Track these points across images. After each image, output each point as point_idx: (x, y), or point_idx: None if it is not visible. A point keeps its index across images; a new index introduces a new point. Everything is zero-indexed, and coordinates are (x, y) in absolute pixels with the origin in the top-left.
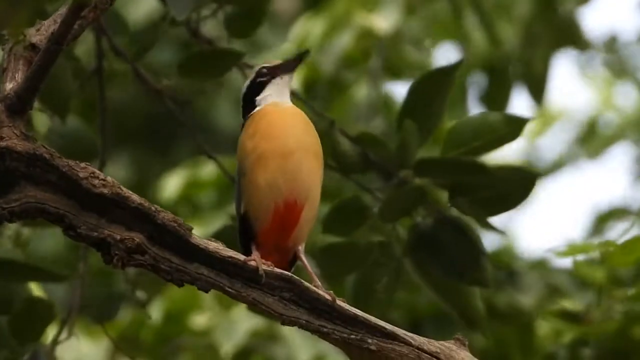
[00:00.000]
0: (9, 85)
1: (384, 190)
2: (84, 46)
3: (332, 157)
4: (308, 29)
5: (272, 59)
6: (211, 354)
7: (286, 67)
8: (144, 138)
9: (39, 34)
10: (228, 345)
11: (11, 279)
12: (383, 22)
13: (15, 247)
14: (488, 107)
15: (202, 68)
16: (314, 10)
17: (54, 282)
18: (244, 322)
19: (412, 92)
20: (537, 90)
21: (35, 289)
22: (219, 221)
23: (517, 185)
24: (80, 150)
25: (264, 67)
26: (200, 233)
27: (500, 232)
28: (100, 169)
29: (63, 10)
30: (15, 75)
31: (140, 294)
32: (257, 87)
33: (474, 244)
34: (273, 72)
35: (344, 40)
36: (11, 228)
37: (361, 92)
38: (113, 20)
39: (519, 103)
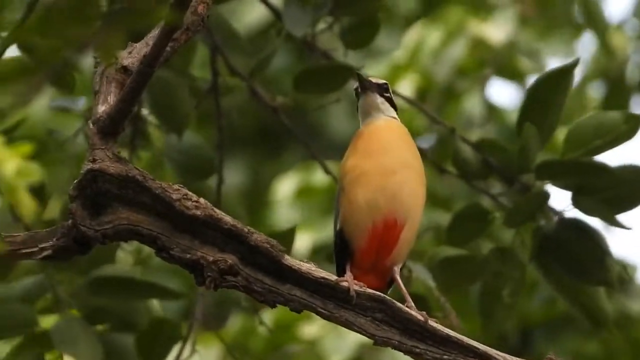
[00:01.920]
0: (101, 108)
1: (506, 196)
2: (200, 64)
3: (453, 164)
4: (422, 36)
5: (384, 66)
6: None
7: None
8: (258, 142)
9: (131, 56)
10: (337, 355)
11: (130, 297)
12: (496, 32)
13: (135, 264)
14: None
15: (317, 83)
16: (428, 17)
17: (171, 299)
18: (352, 332)
19: (530, 95)
20: None
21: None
22: (329, 227)
23: (638, 185)
24: (198, 166)
25: (356, 88)
26: (311, 239)
27: (627, 228)
28: (219, 186)
29: (155, 32)
30: (107, 98)
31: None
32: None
33: (598, 245)
34: (362, 89)
35: (458, 50)
36: (132, 245)
37: (473, 100)
38: (228, 37)
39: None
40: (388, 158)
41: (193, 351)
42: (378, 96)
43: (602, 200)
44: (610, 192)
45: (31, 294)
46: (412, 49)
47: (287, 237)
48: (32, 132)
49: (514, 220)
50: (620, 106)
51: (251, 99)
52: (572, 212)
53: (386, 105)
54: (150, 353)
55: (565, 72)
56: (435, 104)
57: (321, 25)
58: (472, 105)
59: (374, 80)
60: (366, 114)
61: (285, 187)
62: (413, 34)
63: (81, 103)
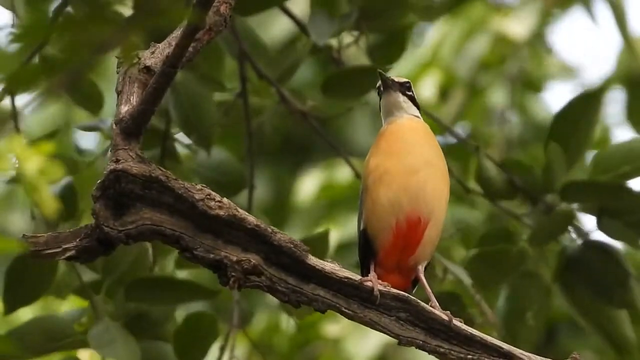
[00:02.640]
0: (124, 108)
1: (530, 216)
2: (227, 71)
3: (478, 183)
4: (445, 32)
5: (408, 62)
6: None
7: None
8: (281, 152)
9: (154, 56)
10: (361, 354)
11: (169, 300)
12: (518, 27)
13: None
14: (629, 120)
15: (346, 87)
16: (450, 14)
17: (207, 299)
18: (376, 331)
19: (559, 116)
20: None
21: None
22: (353, 224)
23: None
24: (229, 181)
25: (378, 86)
26: (335, 236)
27: None
28: (250, 194)
29: (177, 33)
30: (130, 98)
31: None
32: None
33: (621, 267)
34: (384, 88)
35: (480, 45)
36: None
37: (497, 96)
38: (255, 46)
39: None
40: (411, 157)
41: (232, 354)
42: (400, 94)
43: (627, 224)
44: (636, 216)
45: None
46: (435, 45)
47: (320, 241)
48: (61, 151)
49: (538, 240)
50: None
51: (280, 105)
52: (597, 234)
53: (408, 104)
54: (188, 352)
55: (596, 95)
56: (458, 101)
57: (348, 39)
58: (496, 100)
59: (396, 79)
60: (388, 112)
61: (308, 184)
62: (436, 30)
63: (109, 122)
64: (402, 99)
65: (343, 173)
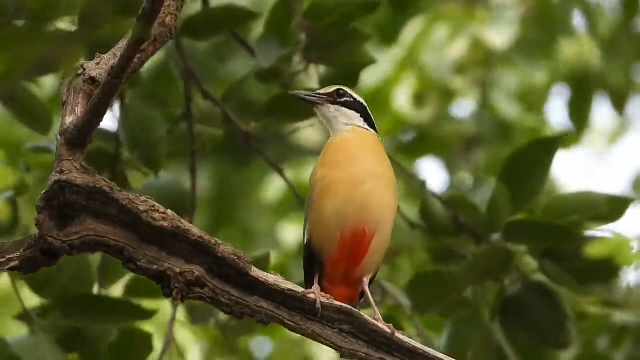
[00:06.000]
0: (69, 119)
1: (473, 254)
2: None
3: (422, 218)
4: (422, 33)
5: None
6: None
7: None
8: (224, 149)
9: (99, 67)
10: (323, 356)
11: (106, 319)
12: (496, 36)
13: None
14: (571, 116)
15: (290, 109)
16: (429, 14)
17: (144, 319)
18: None
19: (513, 159)
20: (618, 101)
21: None
22: None
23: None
24: (173, 201)
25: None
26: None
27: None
28: (192, 212)
29: (123, 43)
30: (75, 109)
31: None
32: None
33: (560, 308)
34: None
35: (457, 50)
36: None
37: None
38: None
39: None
40: (356, 168)
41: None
42: (330, 105)
43: (569, 269)
44: (579, 261)
45: None
46: (412, 46)
47: (261, 262)
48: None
49: (478, 278)
50: (584, 109)
51: (224, 124)
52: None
53: (343, 111)
54: None
55: (552, 142)
56: (433, 107)
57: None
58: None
59: (322, 91)
60: (328, 126)
61: (275, 183)
62: (412, 29)
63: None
64: (332, 109)
65: (310, 171)
